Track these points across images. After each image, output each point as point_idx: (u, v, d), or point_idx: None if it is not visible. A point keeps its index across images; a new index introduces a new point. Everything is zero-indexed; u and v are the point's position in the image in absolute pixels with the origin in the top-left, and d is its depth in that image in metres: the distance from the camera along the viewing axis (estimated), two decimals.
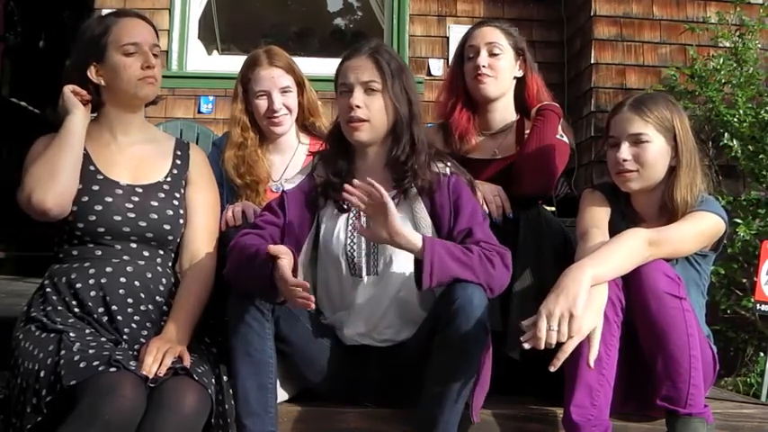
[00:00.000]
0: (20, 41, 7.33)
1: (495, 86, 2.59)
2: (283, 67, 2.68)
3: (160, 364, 1.82)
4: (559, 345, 1.87)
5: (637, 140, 2.19)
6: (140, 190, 2.12)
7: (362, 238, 2.13)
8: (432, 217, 2.12)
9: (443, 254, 1.93)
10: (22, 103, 7.06)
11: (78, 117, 2.07)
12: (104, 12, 4.66)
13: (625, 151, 2.19)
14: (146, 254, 2.09)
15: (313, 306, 1.87)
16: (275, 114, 2.65)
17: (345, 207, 2.15)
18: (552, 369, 1.87)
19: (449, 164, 2.20)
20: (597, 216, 2.24)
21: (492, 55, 2.58)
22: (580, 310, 1.85)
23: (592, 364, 1.90)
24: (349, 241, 2.14)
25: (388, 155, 2.14)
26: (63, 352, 1.82)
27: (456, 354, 1.92)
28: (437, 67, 4.96)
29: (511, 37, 2.63)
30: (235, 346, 1.96)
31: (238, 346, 1.96)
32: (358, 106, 2.09)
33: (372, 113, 2.10)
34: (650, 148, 2.18)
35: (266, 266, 1.88)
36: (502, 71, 2.59)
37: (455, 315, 1.90)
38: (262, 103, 2.66)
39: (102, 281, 2.01)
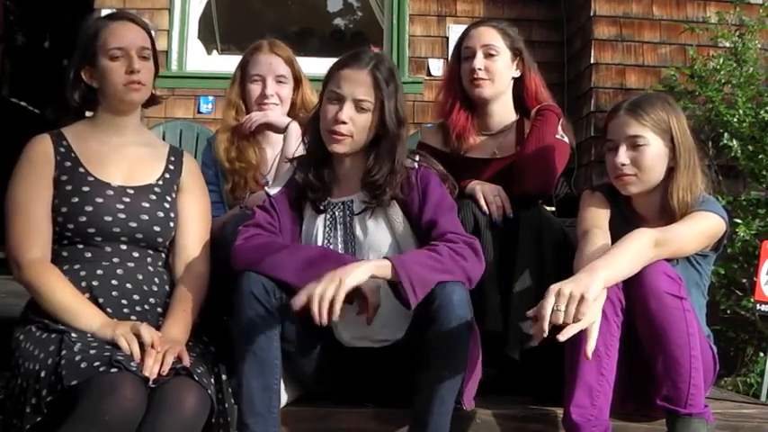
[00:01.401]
0: (22, 41, 7.34)
1: (492, 89, 2.59)
2: (283, 57, 2.70)
3: (161, 364, 1.81)
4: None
5: (634, 144, 2.18)
6: (132, 191, 2.12)
7: (338, 240, 2.13)
8: (405, 213, 2.11)
9: (416, 267, 1.89)
10: (22, 103, 7.07)
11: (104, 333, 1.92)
12: (104, 12, 4.70)
13: (623, 155, 2.19)
14: (135, 255, 2.09)
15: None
16: (266, 101, 2.65)
17: (321, 208, 2.15)
18: (562, 338, 1.80)
19: (417, 157, 2.19)
20: (597, 216, 2.24)
21: (488, 57, 2.58)
22: (592, 295, 1.82)
23: (590, 354, 1.88)
24: (326, 243, 2.14)
25: (365, 170, 2.11)
26: (64, 352, 1.81)
27: (440, 353, 1.91)
28: (437, 67, 4.95)
29: (508, 37, 2.62)
30: (241, 345, 1.95)
31: (244, 345, 1.95)
32: (344, 122, 2.07)
33: (357, 129, 2.08)
34: (648, 151, 2.18)
35: None
36: (498, 73, 2.58)
37: (436, 314, 1.89)
38: (255, 87, 2.67)
39: (94, 283, 2.02)
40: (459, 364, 1.93)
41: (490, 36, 2.60)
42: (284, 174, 2.25)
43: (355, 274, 1.86)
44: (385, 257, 1.94)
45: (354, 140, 2.09)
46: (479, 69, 2.56)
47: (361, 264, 1.91)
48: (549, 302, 1.81)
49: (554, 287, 1.84)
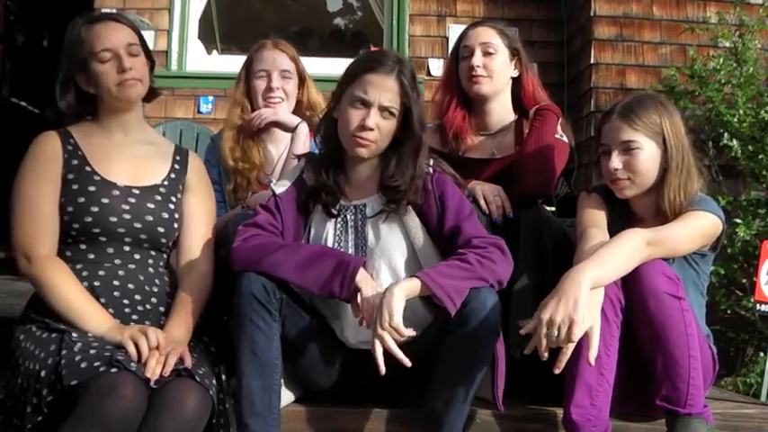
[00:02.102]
0: (22, 41, 7.33)
1: (490, 86, 2.60)
2: (287, 54, 2.70)
3: (164, 366, 1.81)
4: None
5: (627, 148, 2.19)
6: (137, 191, 2.12)
7: (350, 245, 2.12)
8: (421, 218, 2.11)
9: (446, 278, 1.90)
10: (22, 103, 7.07)
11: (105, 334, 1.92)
12: (104, 12, 4.69)
13: (616, 160, 2.19)
14: (137, 257, 2.09)
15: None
16: (271, 95, 2.64)
17: (334, 212, 2.14)
18: (557, 371, 1.87)
19: (431, 161, 2.18)
20: (595, 217, 2.24)
21: (486, 55, 2.59)
22: (580, 315, 1.84)
23: (592, 361, 1.89)
24: (336, 246, 2.12)
25: (386, 174, 2.10)
26: (64, 351, 1.81)
27: (467, 356, 1.92)
28: (437, 67, 4.95)
29: (506, 37, 2.63)
30: (241, 345, 1.95)
31: (245, 346, 1.94)
32: (371, 129, 2.06)
33: (381, 136, 2.08)
34: (641, 155, 2.18)
35: (347, 273, 1.94)
36: (496, 71, 2.59)
37: (467, 318, 1.90)
38: (260, 83, 2.66)
39: (96, 283, 2.01)
40: (481, 369, 1.95)
41: (488, 35, 2.61)
42: (291, 171, 2.24)
43: (397, 308, 1.87)
44: (413, 276, 1.94)
45: (378, 146, 2.09)
46: (478, 66, 2.57)
47: (394, 293, 1.89)
48: (542, 332, 1.85)
49: (543, 314, 1.86)
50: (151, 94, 2.22)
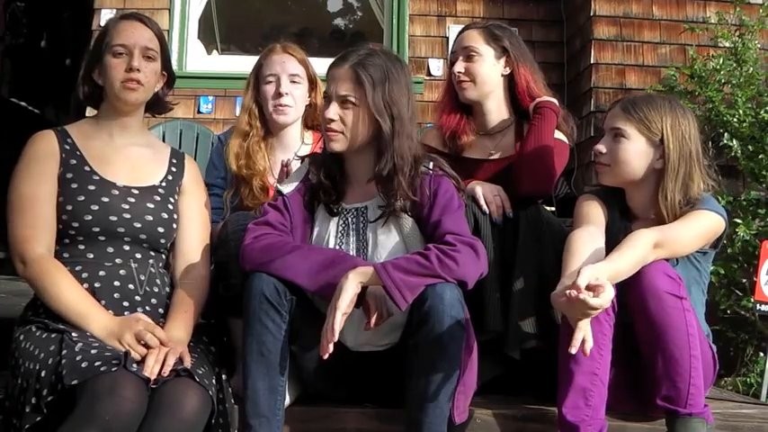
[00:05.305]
0: (20, 42, 7.33)
1: (475, 90, 2.61)
2: (296, 57, 2.68)
3: (162, 365, 1.81)
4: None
5: (615, 135, 2.22)
6: (136, 192, 2.12)
7: (350, 245, 2.12)
8: (417, 221, 2.10)
9: (399, 272, 1.89)
10: (22, 104, 7.07)
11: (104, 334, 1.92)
12: (104, 12, 4.71)
13: (602, 143, 2.23)
14: (138, 256, 2.09)
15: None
16: (281, 100, 2.61)
17: (335, 211, 2.14)
18: (573, 351, 1.83)
19: (431, 163, 2.17)
20: (593, 213, 2.24)
21: (468, 59, 2.61)
22: (604, 300, 1.82)
23: (573, 351, 1.85)
24: (338, 247, 2.12)
25: (374, 168, 2.10)
26: (65, 351, 1.81)
27: (432, 353, 1.89)
28: (437, 68, 4.96)
29: (492, 37, 2.62)
30: (249, 346, 1.94)
31: (252, 346, 1.94)
32: (332, 119, 2.07)
33: (347, 126, 2.07)
34: (625, 145, 2.19)
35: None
36: (479, 74, 2.60)
37: (427, 315, 1.88)
38: (269, 88, 2.64)
39: (96, 285, 2.01)
40: (453, 366, 1.91)
41: (470, 38, 2.63)
42: (297, 172, 2.25)
43: (346, 294, 1.88)
44: (372, 264, 1.94)
45: (347, 137, 2.09)
46: (459, 72, 2.60)
47: (349, 277, 1.90)
48: (590, 273, 1.80)
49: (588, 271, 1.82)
50: (159, 105, 2.23)
